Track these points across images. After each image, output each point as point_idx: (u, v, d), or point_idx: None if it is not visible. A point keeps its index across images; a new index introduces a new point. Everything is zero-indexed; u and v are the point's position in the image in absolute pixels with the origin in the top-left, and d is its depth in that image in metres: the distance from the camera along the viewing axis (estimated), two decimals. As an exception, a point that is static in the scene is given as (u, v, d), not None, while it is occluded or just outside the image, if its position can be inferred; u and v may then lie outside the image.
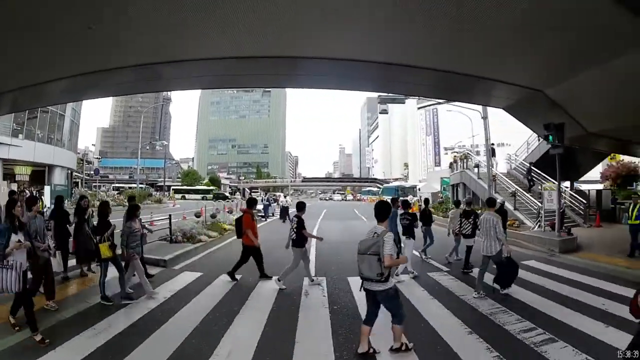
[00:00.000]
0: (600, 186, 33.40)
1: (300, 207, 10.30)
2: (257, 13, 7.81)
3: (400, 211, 11.48)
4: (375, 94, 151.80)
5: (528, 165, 24.38)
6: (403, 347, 5.68)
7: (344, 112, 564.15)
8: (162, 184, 78.21)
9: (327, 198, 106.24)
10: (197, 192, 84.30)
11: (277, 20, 8.29)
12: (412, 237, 11.34)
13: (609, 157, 31.18)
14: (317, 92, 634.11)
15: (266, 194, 66.36)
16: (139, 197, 51.10)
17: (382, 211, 5.93)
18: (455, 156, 38.08)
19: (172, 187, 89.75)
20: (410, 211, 11.76)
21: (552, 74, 11.59)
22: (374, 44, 9.93)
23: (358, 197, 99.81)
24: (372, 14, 7.93)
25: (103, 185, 69.53)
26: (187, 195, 79.78)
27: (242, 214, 10.85)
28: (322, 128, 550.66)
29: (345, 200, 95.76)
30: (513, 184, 24.18)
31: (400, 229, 11.01)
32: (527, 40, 9.07)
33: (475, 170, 29.54)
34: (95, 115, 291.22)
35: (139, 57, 10.46)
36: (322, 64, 11.19)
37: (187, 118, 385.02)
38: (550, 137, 14.46)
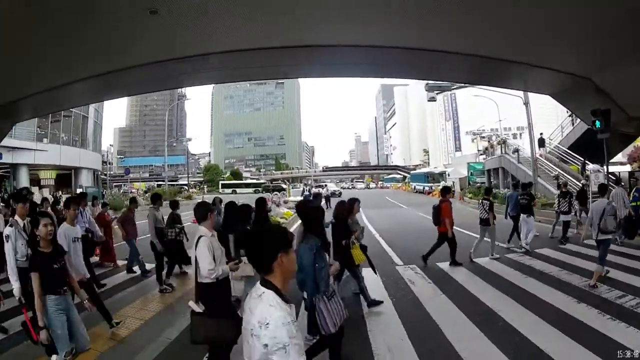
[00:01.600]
0: (624, 168, 33.52)
1: (488, 191, 12.83)
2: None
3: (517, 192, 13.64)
4: (389, 81, 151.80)
5: (582, 160, 24.45)
6: (595, 284, 7.98)
7: (357, 100, 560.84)
8: (184, 180, 78.43)
9: (349, 187, 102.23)
10: (248, 185, 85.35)
11: (304, 8, 8.79)
12: (531, 214, 12.66)
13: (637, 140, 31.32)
14: (331, 82, 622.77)
15: (306, 185, 66.32)
16: (170, 194, 51.65)
17: (601, 189, 9.04)
18: (490, 141, 38.58)
19: (221, 182, 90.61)
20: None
21: (602, 61, 12.13)
22: (409, 30, 10.28)
23: (381, 185, 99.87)
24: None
25: (124, 184, 69.67)
26: (237, 190, 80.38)
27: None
28: (337, 117, 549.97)
29: (369, 188, 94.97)
30: (555, 167, 24.81)
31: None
32: (579, 29, 9.64)
33: (515, 155, 30.22)
34: (112, 116, 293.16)
35: (161, 52, 10.93)
36: (354, 52, 11.76)
37: (200, 113, 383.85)
38: (597, 123, 14.82)
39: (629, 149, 34.91)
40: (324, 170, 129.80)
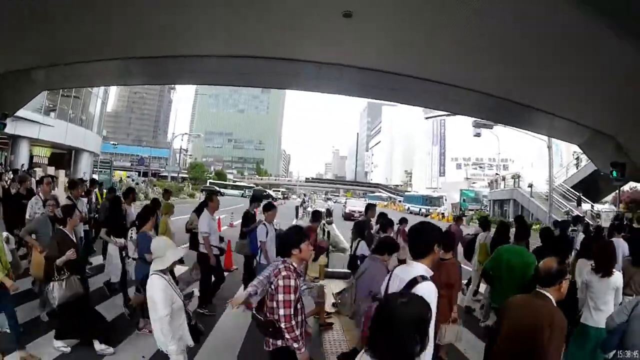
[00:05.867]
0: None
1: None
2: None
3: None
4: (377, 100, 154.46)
5: (578, 195, 27.82)
6: None
7: (338, 114, 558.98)
8: (165, 174, 76.14)
9: (334, 201, 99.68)
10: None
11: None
12: None
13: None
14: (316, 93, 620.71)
15: (305, 195, 66.46)
16: (174, 190, 50.89)
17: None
18: (497, 174, 41.78)
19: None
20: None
21: (625, 124, 13.82)
22: (421, 62, 11.37)
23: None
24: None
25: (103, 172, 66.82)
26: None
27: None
28: (315, 127, 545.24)
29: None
30: (566, 204, 28.03)
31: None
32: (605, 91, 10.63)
33: (528, 189, 33.45)
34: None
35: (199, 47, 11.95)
36: (355, 74, 12.79)
37: (180, 107, 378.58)
38: (614, 173, 16.63)
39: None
40: (307, 181, 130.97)
